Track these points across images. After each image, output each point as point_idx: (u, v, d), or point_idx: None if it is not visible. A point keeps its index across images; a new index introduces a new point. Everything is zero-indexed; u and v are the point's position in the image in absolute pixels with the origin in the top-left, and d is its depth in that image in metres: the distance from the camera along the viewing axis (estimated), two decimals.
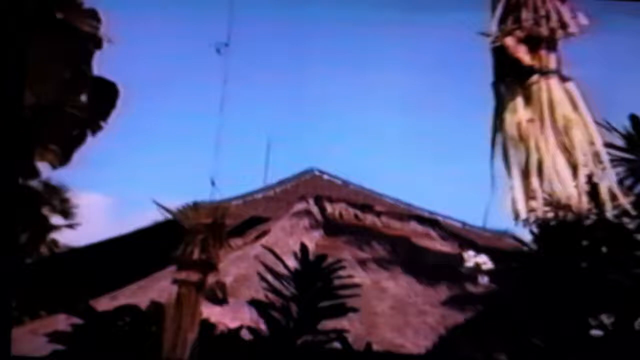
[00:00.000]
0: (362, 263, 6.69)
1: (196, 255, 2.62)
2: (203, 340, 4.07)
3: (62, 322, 4.58)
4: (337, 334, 4.64)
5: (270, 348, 4.40)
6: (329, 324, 4.68)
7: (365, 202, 8.29)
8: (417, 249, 7.73)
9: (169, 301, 2.68)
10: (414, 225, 8.17)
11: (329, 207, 7.25)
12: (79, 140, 3.60)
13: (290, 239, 6.43)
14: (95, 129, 3.63)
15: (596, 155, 1.74)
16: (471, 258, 7.69)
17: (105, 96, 3.65)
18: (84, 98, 3.55)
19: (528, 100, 1.65)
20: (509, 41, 1.65)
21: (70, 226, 10.13)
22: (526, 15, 1.66)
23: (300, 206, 7.13)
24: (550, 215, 5.85)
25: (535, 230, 5.28)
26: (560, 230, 5.21)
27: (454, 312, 6.78)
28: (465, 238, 8.39)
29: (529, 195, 1.71)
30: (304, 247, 4.86)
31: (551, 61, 1.68)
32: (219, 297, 3.33)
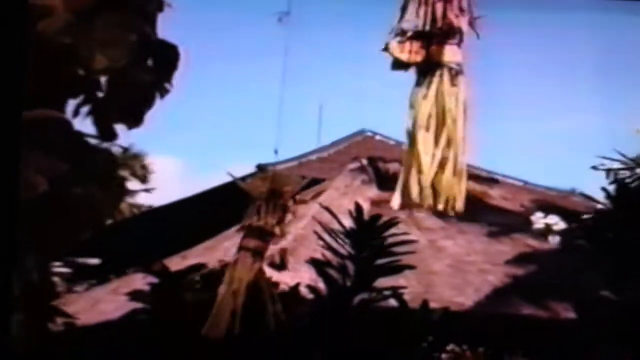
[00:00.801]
0: (417, 223, 6.69)
1: (254, 222, 2.77)
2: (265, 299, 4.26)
3: (139, 281, 4.87)
4: (393, 291, 4.71)
5: (328, 306, 4.54)
6: (385, 282, 4.76)
7: None
8: (475, 208, 7.63)
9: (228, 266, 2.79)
10: (471, 184, 8.04)
11: (382, 167, 7.25)
12: (149, 102, 3.79)
13: (344, 199, 6.52)
14: (162, 91, 3.81)
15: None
16: (540, 219, 7.55)
17: (168, 59, 3.80)
18: (149, 61, 3.72)
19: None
20: (393, 44, 1.89)
21: (147, 190, 10.81)
22: (410, 17, 1.87)
23: (353, 166, 7.18)
24: (626, 173, 5.65)
25: (609, 188, 5.12)
26: (637, 189, 5.01)
27: (517, 271, 6.72)
28: (528, 197, 8.21)
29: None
30: (358, 207, 4.92)
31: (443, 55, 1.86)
32: (277, 262, 3.45)
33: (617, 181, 5.12)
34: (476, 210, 7.48)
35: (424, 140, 1.86)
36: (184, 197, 8.59)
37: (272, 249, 2.83)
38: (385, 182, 7.26)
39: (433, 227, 6.83)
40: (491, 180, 8.43)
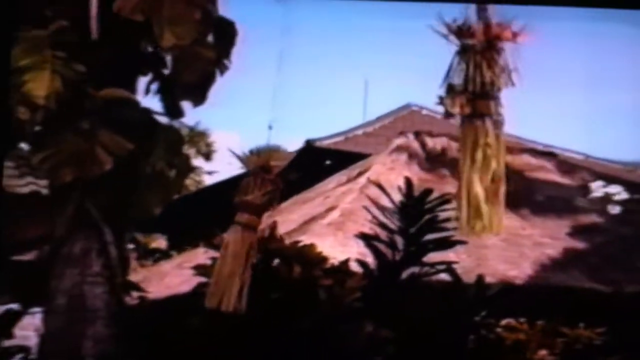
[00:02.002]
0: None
1: (244, 196, 2.83)
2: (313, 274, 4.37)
3: (201, 255, 5.08)
4: (447, 266, 4.75)
5: (378, 280, 4.63)
6: (435, 257, 4.80)
7: None
8: (531, 182, 7.54)
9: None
10: (526, 158, 7.95)
11: (429, 142, 7.24)
12: (211, 79, 3.92)
13: (391, 173, 6.55)
14: (222, 68, 3.92)
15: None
16: (600, 188, 7.36)
17: (226, 35, 3.90)
18: (210, 38, 3.83)
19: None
20: (447, 100, 2.27)
21: (210, 173, 11.11)
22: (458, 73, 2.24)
23: (399, 141, 7.20)
24: None
25: None
26: None
27: (577, 244, 6.60)
28: (589, 170, 8.00)
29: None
30: (408, 181, 4.96)
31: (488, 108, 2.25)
32: (265, 235, 3.55)
33: None
34: (532, 185, 7.38)
35: (472, 179, 2.27)
36: (240, 173, 8.77)
37: (263, 223, 2.93)
38: (433, 156, 7.25)
39: None
40: (548, 154, 8.28)
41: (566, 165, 8.01)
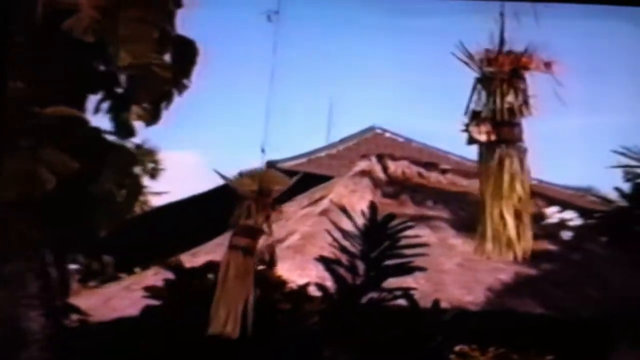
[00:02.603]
0: (427, 221, 6.74)
1: (242, 220, 2.80)
2: (271, 296, 4.33)
3: (151, 277, 4.92)
4: (403, 291, 4.77)
5: (337, 304, 4.61)
6: (394, 283, 4.82)
7: (430, 159, 8.26)
8: None
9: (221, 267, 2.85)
10: None
11: (391, 165, 7.30)
12: (167, 98, 3.82)
13: (353, 196, 6.57)
14: (181, 88, 3.83)
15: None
16: (555, 214, 7.53)
17: (186, 55, 3.82)
18: (167, 57, 3.74)
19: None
20: (472, 128, 2.27)
21: (158, 193, 10.86)
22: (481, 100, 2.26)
23: (362, 164, 7.23)
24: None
25: (623, 187, 5.14)
26: None
27: (529, 270, 6.73)
28: (541, 195, 8.21)
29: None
30: (373, 205, 4.97)
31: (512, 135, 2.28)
32: (266, 259, 3.55)
33: (630, 179, 5.13)
34: None
35: (497, 204, 2.30)
36: (194, 195, 8.68)
37: (260, 246, 2.90)
38: (394, 179, 7.31)
39: (443, 226, 6.88)
40: None
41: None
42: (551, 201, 7.90)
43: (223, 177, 2.92)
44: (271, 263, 3.92)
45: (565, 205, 7.81)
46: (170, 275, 4.58)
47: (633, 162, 5.26)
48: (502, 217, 2.26)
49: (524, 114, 2.26)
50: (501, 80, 2.24)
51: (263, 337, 4.17)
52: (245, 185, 2.84)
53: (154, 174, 11.23)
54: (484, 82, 2.27)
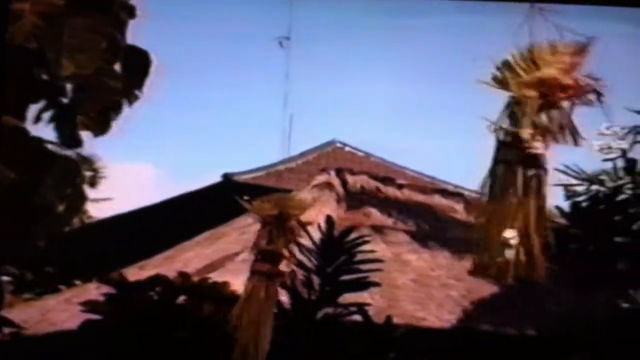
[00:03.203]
0: (384, 236, 6.78)
1: (265, 246, 2.80)
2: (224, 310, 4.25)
3: (93, 291, 4.77)
4: (358, 307, 4.77)
5: (292, 319, 4.56)
6: (350, 297, 4.81)
7: (387, 174, 8.34)
8: (441, 222, 7.78)
9: (243, 292, 2.87)
10: (437, 198, 8.20)
11: (350, 179, 7.32)
12: (116, 109, 3.71)
13: (311, 210, 6.52)
14: (131, 98, 3.73)
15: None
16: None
17: (138, 65, 3.73)
18: (117, 67, 3.64)
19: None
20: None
21: (102, 199, 10.55)
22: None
23: (321, 178, 7.22)
24: (581, 189, 5.78)
25: (563, 205, 5.31)
26: (591, 205, 5.19)
27: (478, 286, 6.85)
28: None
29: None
30: (330, 219, 4.95)
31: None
32: (288, 284, 3.49)
33: (571, 197, 5.29)
34: (442, 225, 7.63)
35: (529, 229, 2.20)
36: (144, 206, 8.49)
37: (283, 272, 2.91)
38: (352, 193, 7.34)
39: (398, 241, 6.93)
40: (457, 195, 8.62)
41: (473, 207, 8.36)
42: None
43: (242, 202, 2.91)
44: (294, 287, 3.84)
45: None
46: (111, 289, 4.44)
47: (573, 181, 5.41)
48: (508, 241, 2.15)
49: (571, 142, 2.10)
50: (541, 103, 2.05)
51: (217, 352, 4.09)
52: (265, 210, 2.82)
53: (93, 182, 10.89)
54: (519, 102, 2.08)
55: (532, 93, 2.08)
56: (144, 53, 3.75)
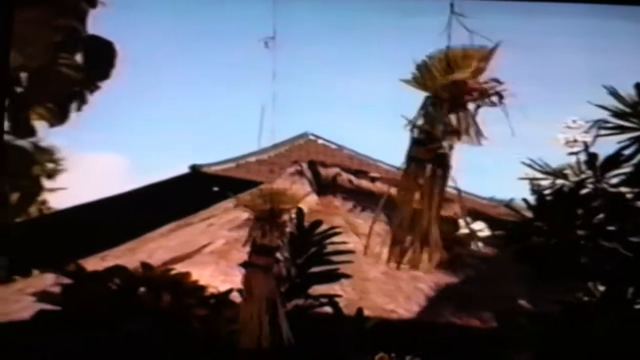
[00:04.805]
0: (355, 228, 6.69)
1: (259, 240, 2.94)
2: (194, 302, 4.09)
3: (50, 281, 4.57)
4: (328, 298, 4.66)
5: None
6: (320, 289, 4.70)
7: (360, 167, 8.26)
8: None
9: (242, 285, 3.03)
10: None
11: (322, 172, 7.20)
12: (76, 99, 3.58)
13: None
14: (93, 88, 3.60)
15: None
16: (465, 225, 7.69)
17: (101, 55, 3.60)
18: (78, 58, 3.51)
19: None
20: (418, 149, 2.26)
21: (58, 189, 10.26)
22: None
23: (293, 170, 7.08)
24: (546, 183, 5.83)
25: (529, 198, 5.33)
26: (555, 199, 5.21)
27: (445, 279, 6.83)
28: (461, 205, 8.35)
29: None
30: (300, 211, 4.82)
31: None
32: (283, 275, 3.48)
33: (537, 191, 5.32)
34: None
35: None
36: (109, 196, 8.24)
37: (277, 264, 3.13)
38: (324, 186, 7.22)
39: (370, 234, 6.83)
40: None
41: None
42: (468, 211, 8.08)
43: (234, 198, 2.94)
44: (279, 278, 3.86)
45: (477, 216, 8.04)
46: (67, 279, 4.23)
47: (538, 174, 5.43)
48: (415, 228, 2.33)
49: (474, 142, 2.26)
50: (451, 104, 2.20)
51: (176, 345, 3.92)
52: (258, 206, 2.92)
53: (52, 174, 10.58)
54: (435, 102, 2.21)
55: (445, 94, 2.18)
56: (107, 43, 3.61)
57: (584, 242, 4.81)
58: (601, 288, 4.75)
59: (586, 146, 4.99)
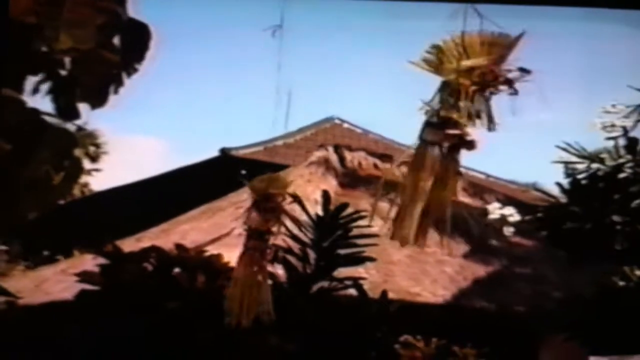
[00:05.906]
0: (380, 212, 6.64)
1: (254, 223, 2.94)
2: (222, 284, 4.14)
3: (89, 262, 4.67)
4: (353, 281, 4.66)
5: (288, 292, 4.45)
6: (345, 272, 4.70)
7: (386, 151, 8.20)
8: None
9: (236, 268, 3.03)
10: None
11: (348, 156, 7.17)
12: (115, 82, 3.63)
13: (308, 186, 6.40)
14: (130, 71, 3.65)
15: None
16: (496, 210, 7.57)
17: (137, 38, 3.64)
18: (116, 41, 3.56)
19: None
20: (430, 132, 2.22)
21: (97, 170, 10.52)
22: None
23: (319, 154, 7.07)
24: (581, 167, 5.65)
25: (563, 182, 5.18)
26: (591, 183, 5.05)
27: (473, 264, 6.76)
28: (489, 190, 8.25)
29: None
30: (326, 194, 4.81)
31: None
32: (272, 258, 3.54)
33: (571, 175, 5.17)
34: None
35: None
36: (143, 179, 8.37)
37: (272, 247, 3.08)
38: (350, 170, 7.19)
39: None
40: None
41: (469, 185, 8.26)
42: (497, 197, 7.95)
43: (243, 179, 2.97)
44: (276, 260, 3.95)
45: (507, 202, 7.90)
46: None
47: (573, 158, 5.27)
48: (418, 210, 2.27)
49: (489, 128, 2.20)
50: (468, 90, 2.15)
51: (209, 324, 3.98)
52: (260, 190, 2.93)
53: (95, 156, 10.91)
54: (451, 87, 2.17)
55: (463, 80, 2.13)
56: (143, 26, 3.63)
57: (620, 227, 4.67)
58: (638, 272, 4.61)
59: (625, 131, 4.82)
